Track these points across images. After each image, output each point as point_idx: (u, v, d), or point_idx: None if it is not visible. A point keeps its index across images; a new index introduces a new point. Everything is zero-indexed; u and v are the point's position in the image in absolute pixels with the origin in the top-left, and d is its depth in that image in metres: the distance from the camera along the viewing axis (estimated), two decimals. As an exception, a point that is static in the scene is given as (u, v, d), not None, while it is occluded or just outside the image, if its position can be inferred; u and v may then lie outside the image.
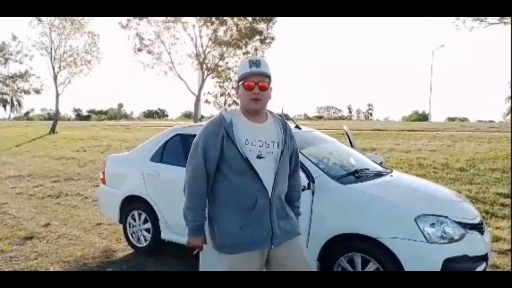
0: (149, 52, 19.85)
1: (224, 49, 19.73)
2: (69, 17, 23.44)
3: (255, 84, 2.00)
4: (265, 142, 2.03)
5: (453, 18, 11.96)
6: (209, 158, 2.01)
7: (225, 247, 2.03)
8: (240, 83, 2.05)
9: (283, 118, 2.19)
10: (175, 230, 3.95)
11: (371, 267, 2.85)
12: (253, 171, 1.97)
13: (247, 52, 19.99)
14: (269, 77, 2.05)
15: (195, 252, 2.14)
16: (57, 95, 25.17)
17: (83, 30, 24.61)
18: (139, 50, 19.88)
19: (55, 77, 24.61)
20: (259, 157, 1.99)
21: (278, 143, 2.06)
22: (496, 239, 4.58)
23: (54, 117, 26.46)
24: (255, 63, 2.02)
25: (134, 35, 19.71)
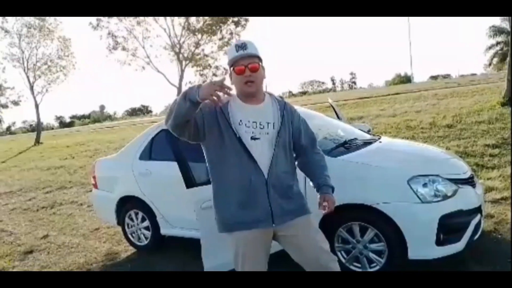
0: (124, 49, 19.54)
1: (199, 36, 19.48)
2: (37, 24, 22.83)
3: (245, 67, 2.00)
4: (259, 124, 2.04)
5: None
6: (202, 109, 1.95)
7: (226, 226, 2.08)
8: (231, 69, 2.05)
9: (283, 99, 2.18)
10: (174, 224, 3.98)
11: (370, 233, 2.91)
12: (247, 151, 1.99)
13: (223, 37, 19.78)
14: (258, 57, 2.05)
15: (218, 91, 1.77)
16: (37, 105, 24.76)
17: (52, 35, 24.05)
18: (113, 48, 19.55)
19: (31, 87, 24.14)
20: (253, 138, 2.01)
21: (274, 123, 2.06)
22: (488, 189, 4.69)
23: (37, 128, 26.04)
24: (241, 46, 2.02)
25: (106, 35, 19.35)
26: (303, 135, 2.18)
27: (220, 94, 1.82)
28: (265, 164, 2.02)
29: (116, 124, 35.79)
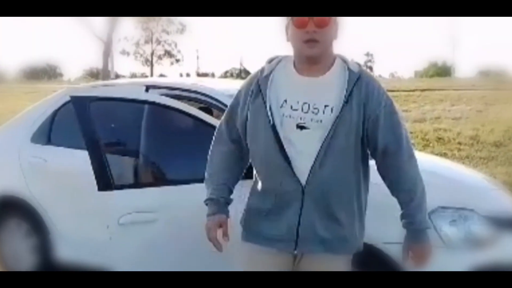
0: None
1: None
2: None
3: (309, 19, 2.01)
4: (313, 106, 2.05)
5: None
6: (235, 119, 2.21)
7: (244, 233, 2.24)
8: (289, 19, 2.08)
9: (361, 67, 2.14)
10: (76, 245, 3.88)
11: None
12: (279, 144, 2.04)
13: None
14: None
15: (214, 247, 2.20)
16: None
17: None
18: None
19: None
20: (300, 126, 2.04)
21: (333, 107, 2.03)
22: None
23: None
24: None
25: None
26: (381, 128, 2.07)
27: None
28: (305, 165, 2.04)
29: (4, 89, 34.85)
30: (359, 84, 2.06)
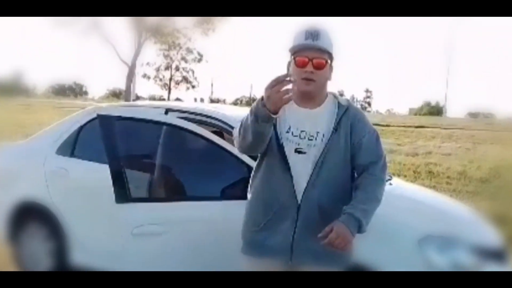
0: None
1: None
2: None
3: (309, 60, 2.11)
4: (308, 133, 2.18)
5: None
6: None
7: (243, 245, 2.30)
8: (292, 57, 2.19)
9: (349, 102, 2.26)
10: (91, 251, 3.86)
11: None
12: (285, 164, 2.16)
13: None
14: (329, 53, 2.16)
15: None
16: None
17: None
18: None
19: None
20: (298, 151, 2.18)
21: (323, 134, 2.16)
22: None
23: None
24: (313, 34, 2.12)
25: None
26: (363, 151, 2.22)
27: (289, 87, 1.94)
28: (301, 184, 2.17)
29: (34, 102, 35.04)
30: (347, 115, 2.20)
